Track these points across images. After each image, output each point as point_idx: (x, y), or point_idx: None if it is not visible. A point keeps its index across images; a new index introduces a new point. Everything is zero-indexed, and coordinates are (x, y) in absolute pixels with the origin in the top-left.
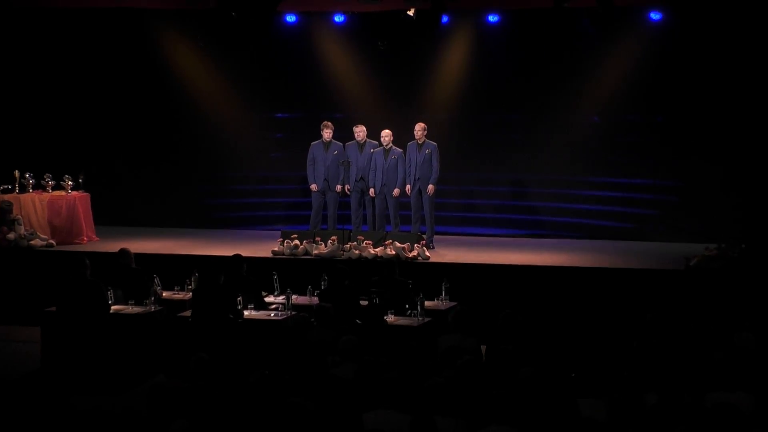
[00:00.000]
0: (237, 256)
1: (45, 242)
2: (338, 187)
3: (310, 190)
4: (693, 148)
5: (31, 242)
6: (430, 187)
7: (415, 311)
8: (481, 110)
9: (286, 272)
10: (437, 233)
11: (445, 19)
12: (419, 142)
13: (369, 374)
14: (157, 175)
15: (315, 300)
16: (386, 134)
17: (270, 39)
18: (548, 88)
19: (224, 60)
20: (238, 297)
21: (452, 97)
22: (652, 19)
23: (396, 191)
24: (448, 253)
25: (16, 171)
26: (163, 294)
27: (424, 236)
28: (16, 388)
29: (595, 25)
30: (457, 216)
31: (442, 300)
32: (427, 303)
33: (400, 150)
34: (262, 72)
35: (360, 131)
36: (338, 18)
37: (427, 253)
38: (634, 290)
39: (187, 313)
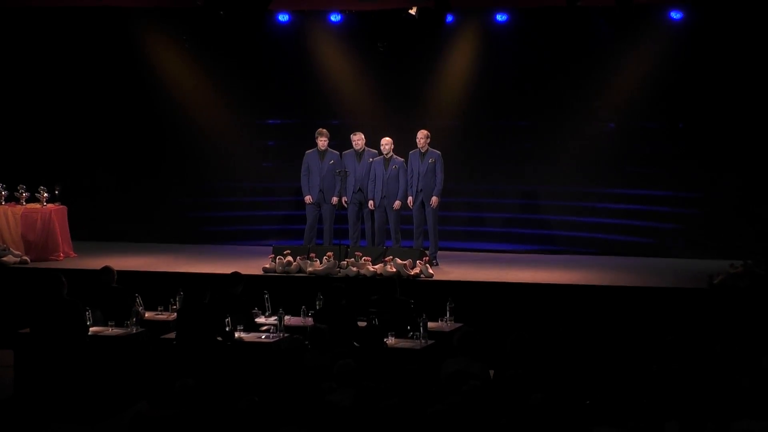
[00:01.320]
0: (236, 275)
1: (18, 259)
2: (334, 199)
3: (304, 203)
4: (717, 157)
5: (4, 258)
6: (434, 199)
7: (418, 333)
8: (489, 116)
9: (278, 291)
10: (441, 249)
11: (449, 18)
12: (422, 151)
13: (368, 401)
14: (140, 186)
15: (309, 321)
16: (386, 142)
17: (261, 40)
18: (561, 93)
19: (212, 62)
20: (227, 318)
21: (457, 102)
22: (673, 18)
23: (397, 204)
24: (453, 270)
25: None
26: (146, 314)
27: (427, 252)
28: None
29: (612, 25)
30: (462, 230)
31: (446, 321)
32: (430, 324)
33: (402, 159)
34: (253, 75)
35: (358, 139)
36: (334, 17)
37: (431, 271)
38: (654, 310)
39: (172, 335)
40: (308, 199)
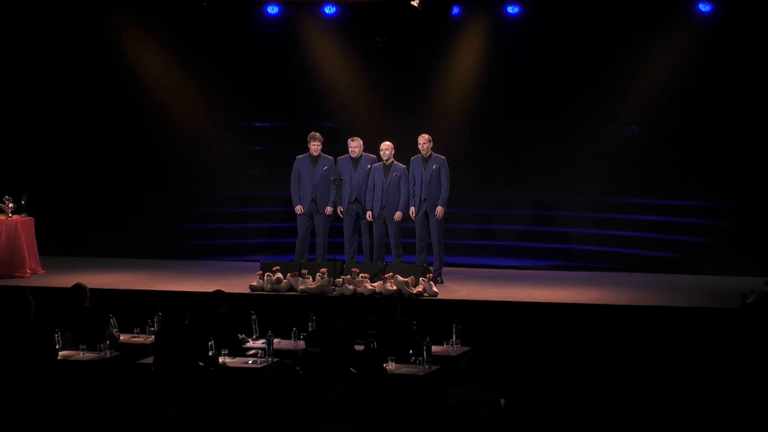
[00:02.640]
0: (219, 293)
1: None
2: (328, 209)
3: (294, 214)
4: (750, 164)
5: None
6: (439, 209)
7: (421, 358)
8: (499, 119)
9: (267, 311)
10: (447, 265)
11: (455, 10)
12: (425, 156)
13: None
14: (114, 196)
15: (301, 344)
16: (386, 147)
17: (248, 34)
18: (578, 93)
19: (194, 59)
20: (210, 341)
21: (464, 103)
22: (701, 10)
23: (398, 215)
24: (459, 288)
25: None
26: (121, 337)
27: (431, 268)
28: None
29: (634, 18)
30: (470, 244)
31: (452, 344)
32: (434, 348)
33: (403, 166)
34: (239, 73)
35: (355, 145)
36: (329, 9)
37: (435, 289)
38: (681, 332)
39: (149, 359)
40: (299, 209)
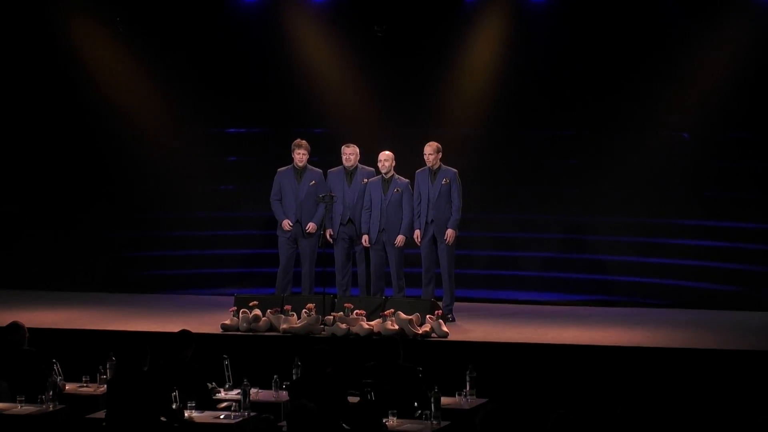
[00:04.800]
0: (184, 334)
1: None
2: (311, 225)
3: (275, 239)
4: None
5: None
6: (449, 232)
7: (428, 411)
8: (521, 124)
9: (242, 355)
10: (459, 299)
11: None
12: (432, 169)
13: None
14: (59, 218)
15: (284, 395)
16: (386, 158)
17: (221, 23)
18: (617, 95)
19: (155, 52)
20: (173, 391)
21: (479, 106)
22: None
23: (399, 239)
24: (474, 327)
25: None
26: (66, 387)
27: (440, 304)
28: None
29: (684, 4)
30: (487, 275)
31: (465, 395)
32: (444, 399)
33: (406, 180)
34: (210, 70)
35: (351, 151)
36: None
37: (445, 328)
38: (743, 380)
39: (101, 413)
40: (287, 224)
